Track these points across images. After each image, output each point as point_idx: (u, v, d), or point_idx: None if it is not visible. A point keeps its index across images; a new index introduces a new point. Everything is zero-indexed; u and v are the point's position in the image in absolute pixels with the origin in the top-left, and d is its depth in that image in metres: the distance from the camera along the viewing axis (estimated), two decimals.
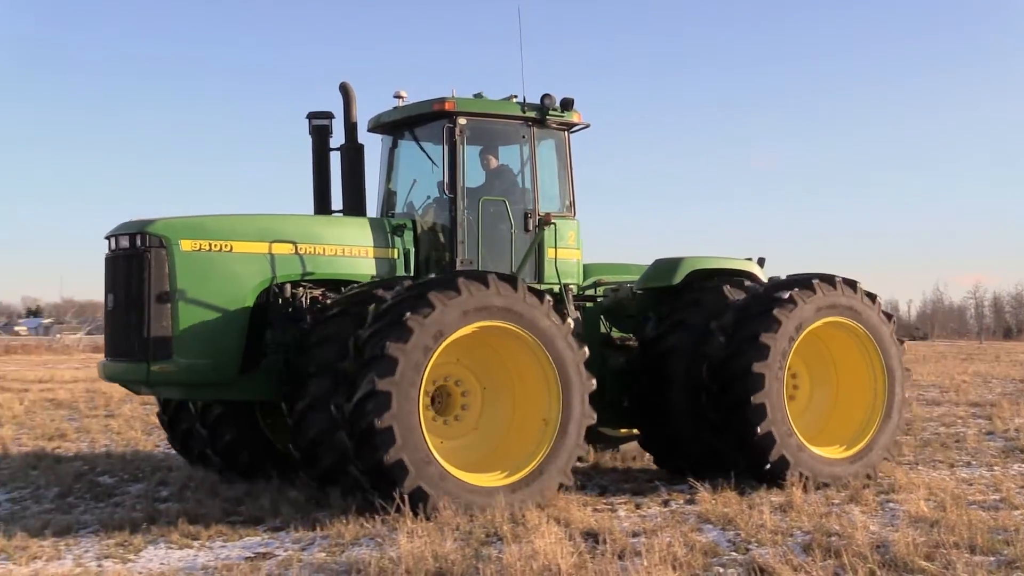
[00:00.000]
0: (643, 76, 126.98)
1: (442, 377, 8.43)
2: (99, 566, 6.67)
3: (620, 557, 6.56)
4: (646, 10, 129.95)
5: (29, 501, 9.12)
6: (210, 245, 8.37)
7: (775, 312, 9.02)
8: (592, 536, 7.21)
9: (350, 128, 9.63)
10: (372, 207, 10.13)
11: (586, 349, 8.47)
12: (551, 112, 9.64)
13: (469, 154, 9.54)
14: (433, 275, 8.75)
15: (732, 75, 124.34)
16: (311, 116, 9.66)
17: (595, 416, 8.45)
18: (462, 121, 9.16)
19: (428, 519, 7.47)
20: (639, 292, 10.01)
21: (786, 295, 9.13)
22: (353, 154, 9.65)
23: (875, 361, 9.72)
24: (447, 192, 9.31)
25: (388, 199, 10.24)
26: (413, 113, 9.69)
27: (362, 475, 7.73)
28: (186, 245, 8.26)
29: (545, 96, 9.57)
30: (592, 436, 10.41)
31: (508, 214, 9.31)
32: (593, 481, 9.98)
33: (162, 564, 6.72)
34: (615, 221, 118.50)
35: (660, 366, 9.49)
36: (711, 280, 9.79)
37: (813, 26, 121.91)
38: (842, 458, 9.37)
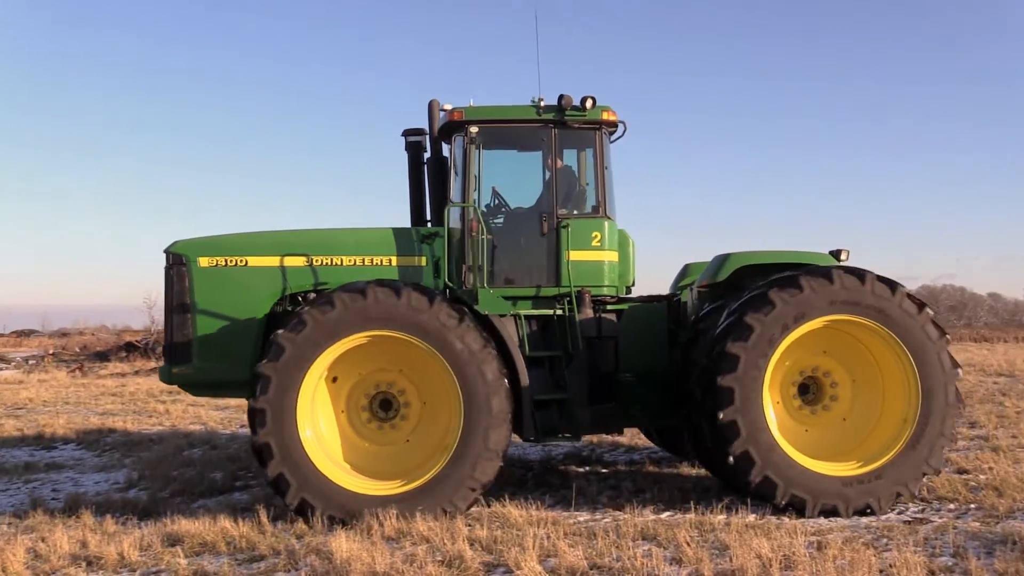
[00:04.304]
0: None
1: (384, 385, 8.70)
2: (602, 515, 8.31)
3: None
4: None
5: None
6: (226, 261, 9.12)
7: (747, 319, 8.14)
8: None
9: (434, 142, 9.90)
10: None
11: (491, 348, 8.25)
12: (571, 112, 9.30)
13: (531, 160, 9.64)
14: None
15: None
16: (406, 133, 9.98)
17: (509, 413, 8.18)
18: (473, 130, 9.10)
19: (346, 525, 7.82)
20: (701, 291, 9.65)
21: (761, 297, 8.22)
22: (437, 166, 9.91)
23: (906, 366, 8.31)
24: (452, 199, 9.38)
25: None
26: (442, 124, 9.69)
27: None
28: (203, 262, 9.08)
29: (562, 96, 9.22)
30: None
31: (481, 220, 9.02)
32: None
33: (653, 519, 8.08)
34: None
35: (686, 369, 8.96)
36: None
37: None
38: (849, 476, 8.14)
